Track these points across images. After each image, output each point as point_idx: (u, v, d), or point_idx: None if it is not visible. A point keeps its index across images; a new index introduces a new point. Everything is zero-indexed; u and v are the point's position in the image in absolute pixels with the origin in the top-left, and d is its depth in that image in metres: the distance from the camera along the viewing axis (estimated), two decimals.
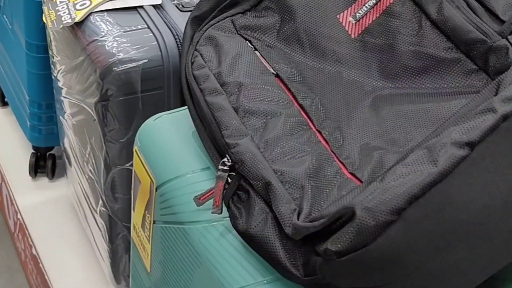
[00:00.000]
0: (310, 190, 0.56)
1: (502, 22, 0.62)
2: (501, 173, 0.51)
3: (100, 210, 1.04)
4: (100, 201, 1.03)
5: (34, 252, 1.30)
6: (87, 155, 1.03)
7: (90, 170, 1.04)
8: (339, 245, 0.50)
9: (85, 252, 1.28)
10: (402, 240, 0.49)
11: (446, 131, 0.51)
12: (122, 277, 1.10)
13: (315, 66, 0.69)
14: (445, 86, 0.64)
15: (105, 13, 0.93)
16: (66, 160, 1.27)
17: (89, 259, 1.26)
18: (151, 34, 0.89)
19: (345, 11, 0.70)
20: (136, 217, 0.79)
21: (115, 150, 0.93)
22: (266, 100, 0.64)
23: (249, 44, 0.70)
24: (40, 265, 1.27)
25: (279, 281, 0.59)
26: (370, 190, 0.50)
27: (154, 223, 0.74)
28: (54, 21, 0.94)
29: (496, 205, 0.52)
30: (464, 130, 0.51)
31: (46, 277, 1.25)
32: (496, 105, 0.51)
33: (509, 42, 0.61)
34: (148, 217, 0.75)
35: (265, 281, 0.59)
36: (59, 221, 1.35)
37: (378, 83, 0.67)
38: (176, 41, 0.89)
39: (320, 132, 0.63)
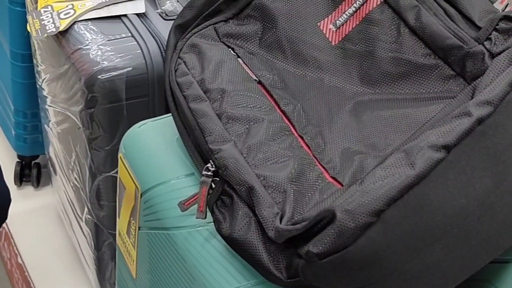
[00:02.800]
0: (292, 194, 0.57)
1: (479, 28, 0.64)
2: (477, 175, 0.53)
3: (85, 218, 1.05)
4: (86, 209, 1.03)
5: (19, 260, 1.30)
6: (72, 163, 1.04)
7: (75, 178, 1.04)
8: (320, 247, 0.51)
9: (71, 260, 1.28)
10: (381, 241, 0.50)
11: (423, 135, 0.53)
12: (108, 284, 1.11)
13: (297, 72, 0.70)
14: (424, 91, 0.65)
15: (89, 22, 0.94)
16: (51, 169, 1.27)
17: (75, 267, 1.26)
18: (135, 43, 0.90)
19: (326, 19, 0.72)
20: (121, 223, 0.80)
21: (100, 158, 0.94)
22: (249, 106, 0.65)
23: (231, 51, 0.71)
24: (26, 273, 1.27)
25: (263, 284, 0.60)
26: (350, 193, 0.51)
27: (139, 229, 0.74)
28: (39, 30, 0.95)
29: (472, 206, 0.53)
30: (441, 133, 0.52)
31: (32, 285, 1.25)
32: (471, 109, 0.53)
33: (485, 48, 0.62)
34: (133, 223, 0.75)
35: (249, 285, 0.60)
36: (45, 230, 1.35)
37: (359, 89, 0.68)
38: (160, 49, 0.90)
39: (302, 138, 0.64)
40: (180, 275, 0.66)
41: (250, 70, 0.70)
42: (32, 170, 1.42)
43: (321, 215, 0.51)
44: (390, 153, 0.55)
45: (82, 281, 1.23)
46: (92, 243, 1.05)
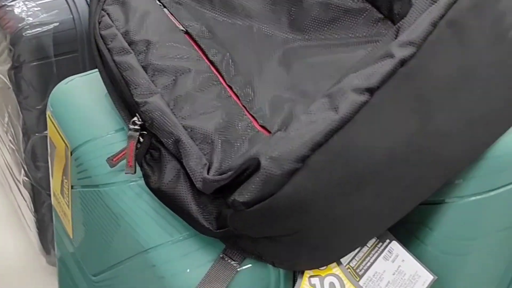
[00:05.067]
0: (220, 145, 0.56)
1: None
2: (403, 117, 0.52)
3: (23, 180, 1.03)
4: (22, 171, 1.01)
5: None
6: (5, 125, 1.01)
7: (10, 140, 1.02)
8: (246, 196, 0.50)
9: (13, 224, 1.26)
10: (308, 187, 0.50)
11: (346, 79, 0.52)
12: (50, 245, 1.09)
13: (226, 21, 0.69)
14: (353, 36, 0.65)
15: None
16: None
17: (17, 231, 1.24)
18: None
19: None
20: (54, 183, 0.78)
21: (32, 118, 0.91)
22: (176, 57, 0.64)
23: (157, 1, 0.69)
24: None
25: (196, 237, 0.59)
26: (274, 140, 0.51)
27: (72, 188, 0.73)
28: None
29: (399, 149, 0.53)
30: (364, 76, 0.51)
31: None
32: (394, 50, 0.52)
33: None
34: (66, 182, 0.74)
35: (181, 238, 0.59)
36: None
37: (289, 36, 0.67)
38: (87, 3, 0.87)
39: (231, 87, 0.63)
40: (114, 232, 0.65)
41: (177, 20, 0.68)
42: None
43: (246, 164, 0.50)
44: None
45: (25, 244, 1.21)
46: (31, 205, 1.04)
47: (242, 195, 0.50)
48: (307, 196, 0.50)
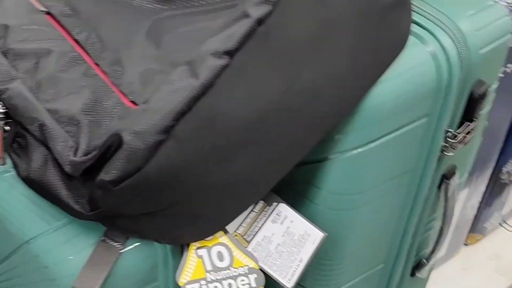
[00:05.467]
0: (87, 125, 0.54)
1: None
2: (268, 77, 0.52)
3: None
4: None
5: None
6: None
7: None
8: (112, 174, 0.49)
9: None
10: (176, 157, 0.49)
11: (205, 44, 0.51)
12: None
13: None
14: (219, 1, 0.63)
15: None
16: None
17: None
18: None
19: None
20: None
21: None
22: (37, 40, 0.61)
23: None
24: None
25: (75, 222, 0.57)
26: (137, 114, 0.49)
27: None
28: None
29: (267, 110, 0.52)
30: (222, 39, 0.50)
31: None
32: (249, 10, 0.51)
33: None
34: None
35: (60, 224, 0.57)
36: None
37: (155, 6, 0.65)
38: None
39: (98, 65, 0.61)
40: None
41: (37, 1, 0.65)
42: None
43: (109, 141, 0.49)
44: None
45: None
46: None
47: (108, 174, 0.49)
48: (177, 167, 0.49)
